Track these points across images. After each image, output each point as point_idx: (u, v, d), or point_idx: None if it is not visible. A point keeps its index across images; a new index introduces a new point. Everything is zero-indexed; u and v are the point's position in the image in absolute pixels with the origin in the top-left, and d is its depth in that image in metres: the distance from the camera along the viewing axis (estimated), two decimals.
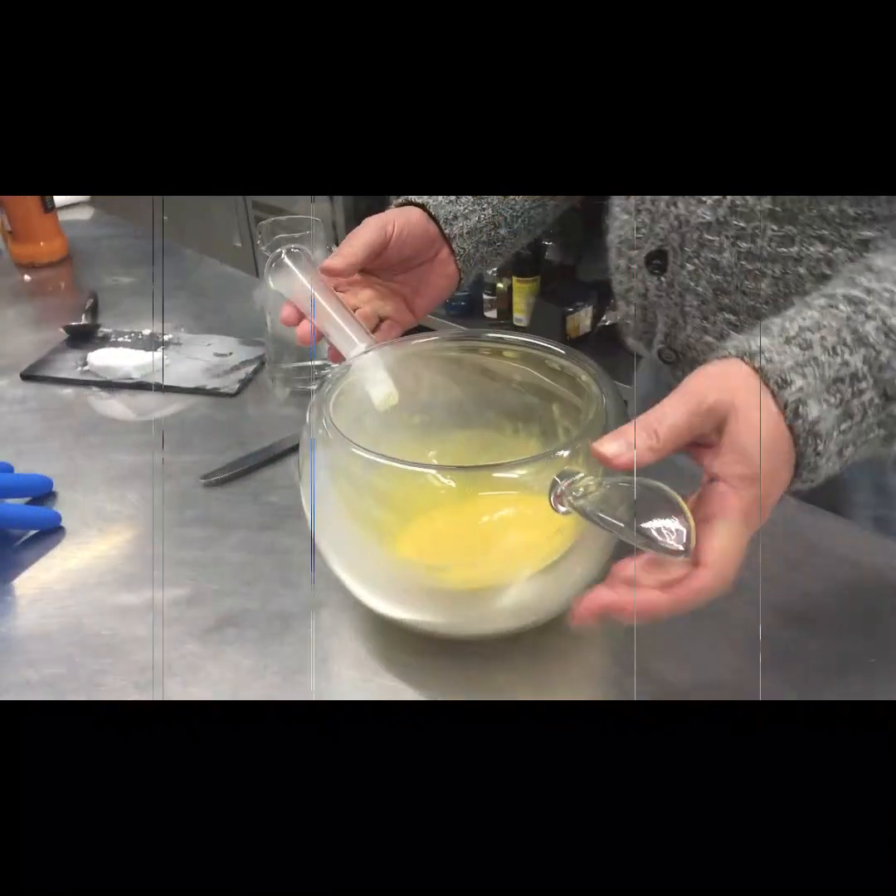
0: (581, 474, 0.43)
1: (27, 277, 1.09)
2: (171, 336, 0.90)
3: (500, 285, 2.11)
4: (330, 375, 0.54)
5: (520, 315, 2.10)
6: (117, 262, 1.13)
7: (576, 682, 0.52)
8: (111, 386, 0.82)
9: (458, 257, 0.66)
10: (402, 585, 0.50)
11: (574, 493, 0.43)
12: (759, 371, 0.41)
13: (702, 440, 0.42)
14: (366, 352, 0.57)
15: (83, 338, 0.89)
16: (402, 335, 0.64)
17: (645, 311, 0.73)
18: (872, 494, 0.69)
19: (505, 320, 2.15)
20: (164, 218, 2.77)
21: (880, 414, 0.43)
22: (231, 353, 0.87)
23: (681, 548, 0.38)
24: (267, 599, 0.57)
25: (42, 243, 1.11)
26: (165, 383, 0.82)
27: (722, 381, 0.42)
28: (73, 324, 0.91)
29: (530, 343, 0.57)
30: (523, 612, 0.49)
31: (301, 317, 0.61)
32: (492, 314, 2.17)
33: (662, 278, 0.68)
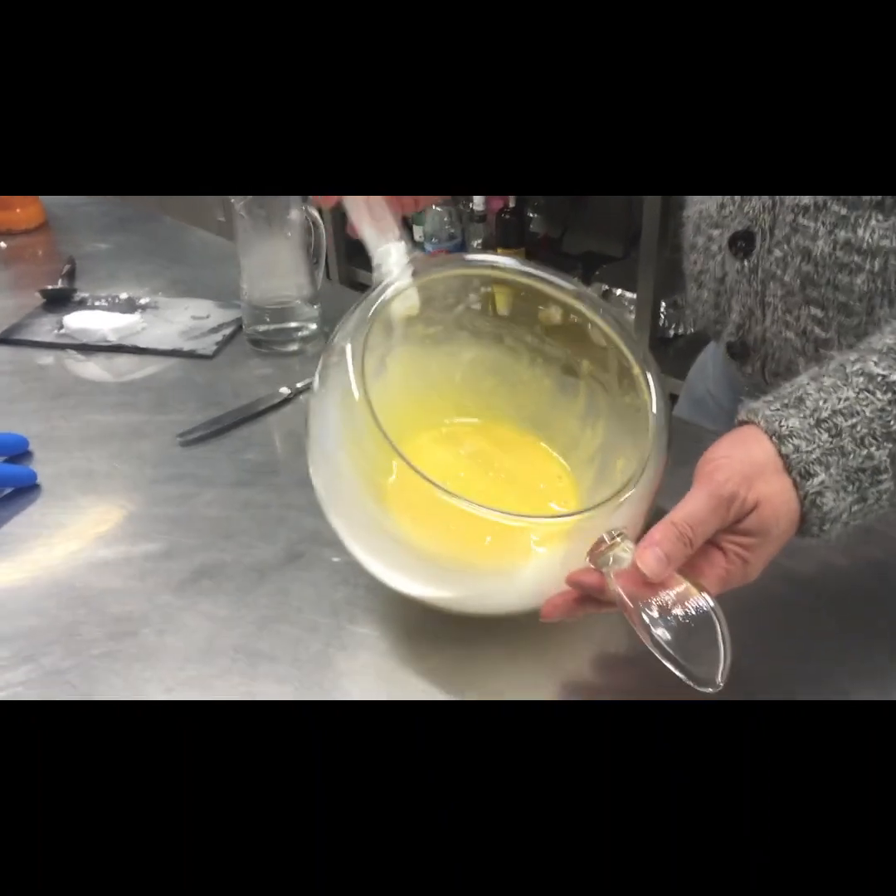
0: (624, 541, 0.41)
1: (3, 244, 1.08)
2: (147, 300, 0.90)
3: None
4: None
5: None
6: (95, 229, 1.11)
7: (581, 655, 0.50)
8: (87, 348, 0.82)
9: None
10: (403, 557, 0.47)
11: (614, 568, 0.41)
12: (785, 458, 0.42)
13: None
14: (395, 254, 0.52)
15: (59, 301, 0.89)
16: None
17: (719, 298, 0.68)
18: None
19: None
20: None
21: (895, 499, 0.44)
22: (208, 316, 0.86)
23: (716, 681, 0.37)
24: (243, 552, 0.57)
25: (18, 210, 1.10)
26: (143, 346, 0.82)
27: (750, 479, 0.42)
28: (50, 287, 0.90)
29: (550, 281, 0.52)
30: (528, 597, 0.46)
31: (336, 199, 0.56)
32: None
33: (745, 262, 0.63)
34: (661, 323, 1.88)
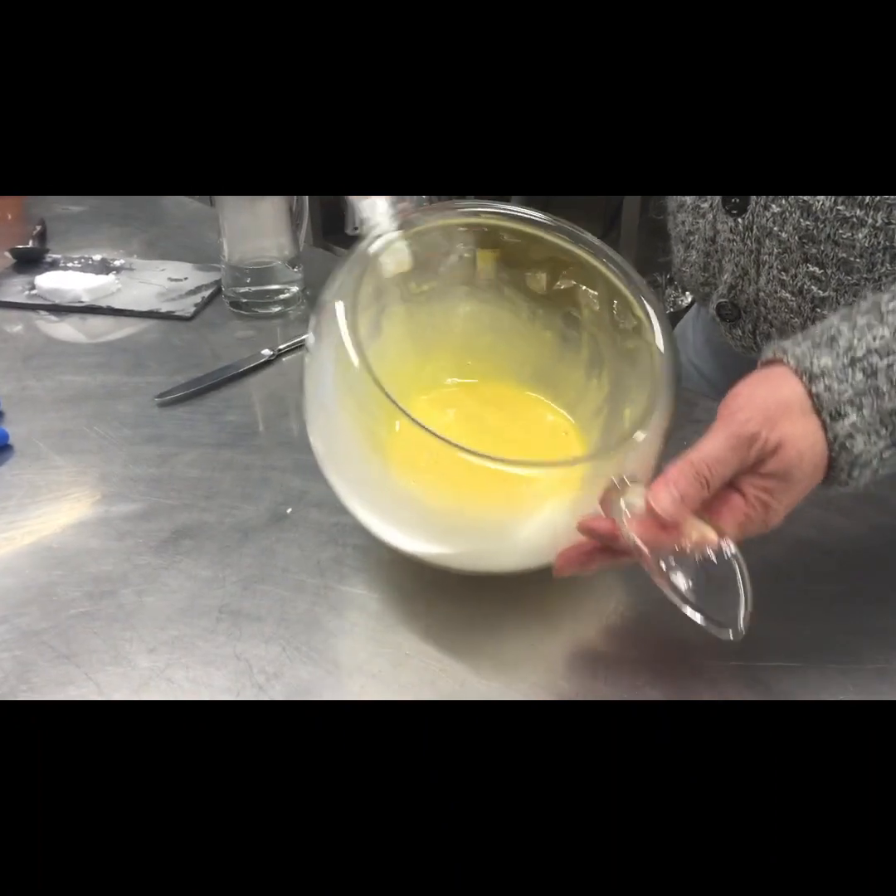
0: (636, 486, 0.39)
1: None
2: (122, 261, 0.87)
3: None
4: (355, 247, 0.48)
5: (483, 264, 2.08)
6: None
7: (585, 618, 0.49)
8: (60, 309, 0.79)
9: None
10: (405, 510, 0.45)
11: (627, 514, 0.39)
12: (815, 397, 0.40)
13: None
14: (381, 205, 0.50)
15: (30, 262, 0.86)
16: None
17: (708, 258, 0.65)
18: None
19: None
20: None
21: None
22: (186, 278, 0.84)
23: (738, 629, 0.36)
24: (225, 513, 0.55)
25: None
26: (118, 307, 0.79)
27: (774, 418, 0.40)
28: (20, 247, 0.87)
29: (575, 235, 0.50)
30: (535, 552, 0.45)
31: None
32: None
33: (740, 220, 0.61)
34: None
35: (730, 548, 0.37)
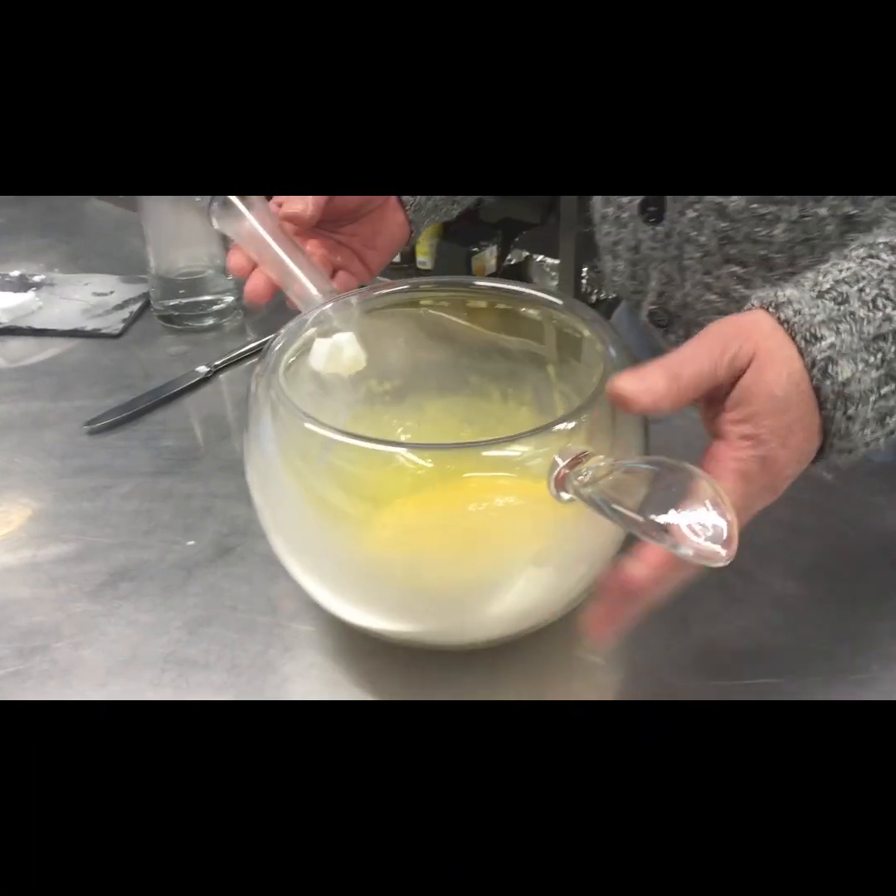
0: (588, 453, 0.36)
1: None
2: (42, 276, 0.82)
3: None
4: (282, 332, 0.45)
5: (423, 257, 2.06)
6: None
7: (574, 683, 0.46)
8: None
9: (407, 206, 0.58)
10: (374, 587, 0.41)
11: (580, 477, 0.35)
12: (785, 323, 0.37)
13: (718, 393, 0.37)
14: (328, 303, 0.47)
15: None
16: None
17: (635, 267, 0.65)
18: None
19: (408, 264, 2.09)
20: None
21: None
22: (112, 292, 0.79)
23: (719, 550, 0.31)
24: (166, 549, 0.52)
25: None
26: (39, 327, 0.74)
27: (746, 330, 0.37)
28: None
29: (519, 292, 0.48)
30: (518, 616, 0.42)
31: (253, 265, 0.52)
32: (395, 258, 2.11)
33: (658, 228, 0.60)
34: (583, 288, 1.87)
35: (696, 471, 0.33)
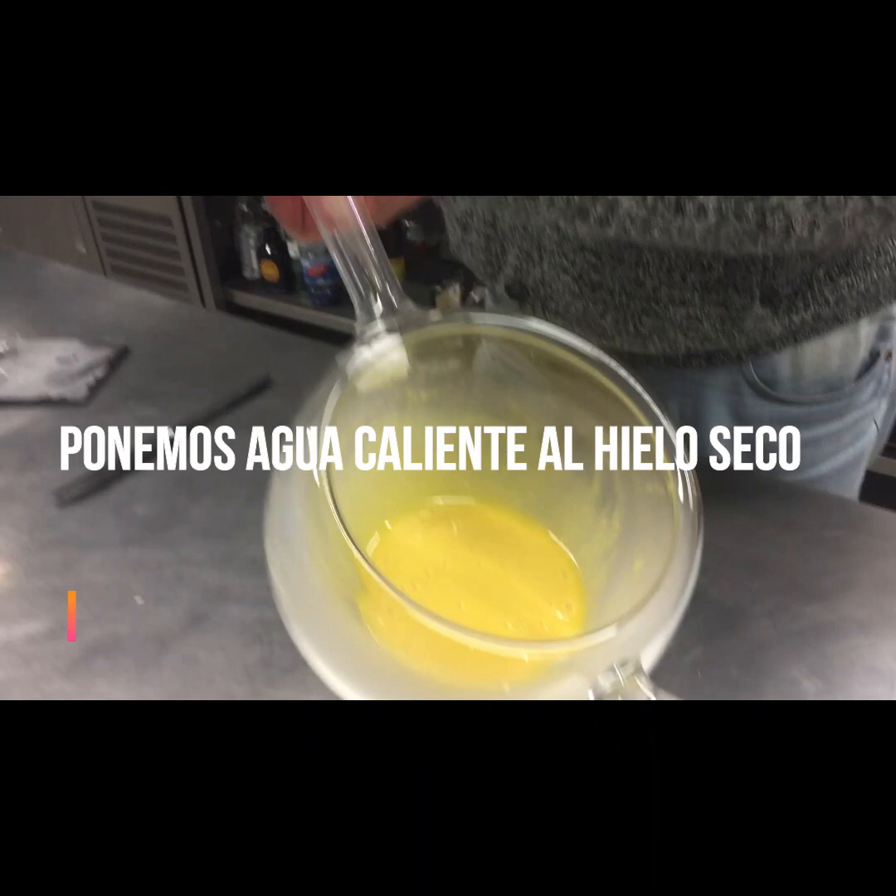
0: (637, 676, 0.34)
1: None
2: (4, 346, 0.82)
3: None
4: (327, 410, 0.38)
5: None
6: None
7: None
8: None
9: None
10: (386, 681, 0.39)
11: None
12: None
13: None
14: (389, 319, 0.43)
15: None
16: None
17: (490, 242, 0.66)
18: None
19: None
20: None
21: None
22: (75, 357, 0.79)
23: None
24: (139, 621, 0.52)
25: None
26: (5, 397, 0.74)
27: None
28: None
29: (606, 366, 0.42)
30: None
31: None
32: None
33: None
34: None
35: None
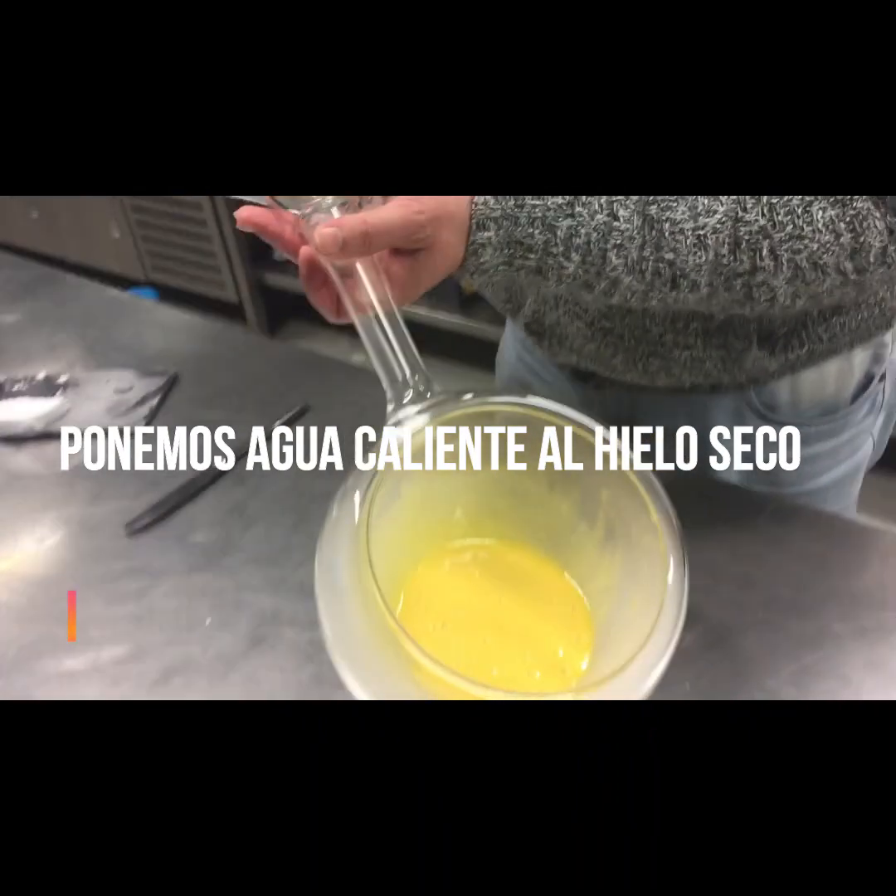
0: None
1: None
2: (66, 377, 0.90)
3: None
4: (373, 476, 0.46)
5: None
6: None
7: None
8: (16, 440, 0.82)
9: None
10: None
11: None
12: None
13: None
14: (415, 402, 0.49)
15: None
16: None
17: (510, 292, 0.72)
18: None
19: None
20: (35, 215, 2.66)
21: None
22: (131, 388, 0.87)
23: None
24: (207, 643, 0.60)
25: None
26: (71, 428, 0.82)
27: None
28: None
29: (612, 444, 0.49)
30: None
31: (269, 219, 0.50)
32: None
33: None
34: None
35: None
